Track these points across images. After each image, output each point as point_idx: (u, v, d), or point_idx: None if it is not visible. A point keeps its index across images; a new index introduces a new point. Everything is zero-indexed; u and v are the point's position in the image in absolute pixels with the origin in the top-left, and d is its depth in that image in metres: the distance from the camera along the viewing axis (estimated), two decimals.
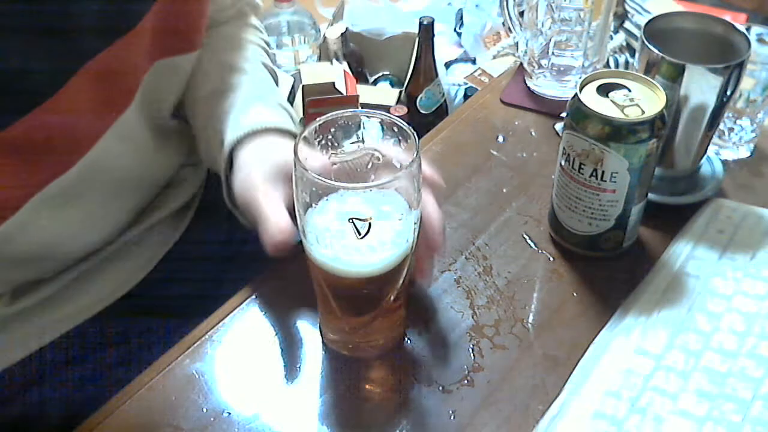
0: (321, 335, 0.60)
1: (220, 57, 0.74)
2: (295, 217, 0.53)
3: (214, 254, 0.82)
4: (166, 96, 0.70)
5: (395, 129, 0.51)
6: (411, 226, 0.51)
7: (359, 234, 0.49)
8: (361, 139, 0.53)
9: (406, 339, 0.60)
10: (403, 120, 0.51)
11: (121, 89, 0.63)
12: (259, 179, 0.58)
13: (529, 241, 0.68)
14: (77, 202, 0.63)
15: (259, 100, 0.67)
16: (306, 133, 0.51)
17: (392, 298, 0.54)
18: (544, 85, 0.85)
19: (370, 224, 0.49)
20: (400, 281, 0.54)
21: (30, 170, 0.58)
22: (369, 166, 0.53)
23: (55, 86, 0.56)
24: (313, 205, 0.50)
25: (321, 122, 0.52)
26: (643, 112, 0.58)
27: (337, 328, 0.58)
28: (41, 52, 0.55)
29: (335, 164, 0.53)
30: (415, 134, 0.50)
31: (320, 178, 0.48)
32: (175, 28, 0.66)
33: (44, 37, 0.55)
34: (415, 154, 0.49)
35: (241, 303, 0.63)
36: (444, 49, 1.82)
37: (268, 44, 0.81)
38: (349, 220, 0.49)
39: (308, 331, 0.61)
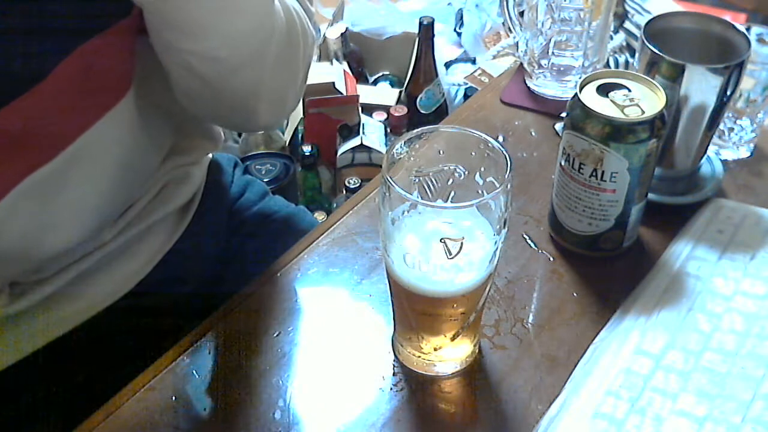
0: (394, 352, 0.59)
1: None
2: None
3: (214, 254, 0.82)
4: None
5: (486, 148, 0.51)
6: (499, 248, 0.51)
7: (450, 254, 0.49)
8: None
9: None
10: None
11: (112, 81, 0.61)
12: None
13: (529, 241, 0.68)
14: (61, 194, 0.61)
15: None
16: (393, 151, 0.50)
17: (472, 318, 0.54)
18: (544, 85, 0.85)
19: (461, 245, 0.48)
20: (482, 301, 0.54)
21: (8, 161, 0.57)
22: (449, 183, 0.53)
23: (33, 79, 0.55)
24: (399, 223, 0.50)
25: (407, 138, 0.51)
26: (643, 112, 0.58)
27: (417, 346, 0.57)
28: (19, 46, 0.54)
29: (415, 181, 0.52)
30: (507, 153, 0.49)
31: (413, 197, 0.47)
32: None
33: (22, 33, 0.54)
34: (507, 173, 0.48)
35: (241, 303, 0.63)
36: (444, 49, 1.82)
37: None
38: (440, 240, 0.48)
39: (307, 330, 0.61)
